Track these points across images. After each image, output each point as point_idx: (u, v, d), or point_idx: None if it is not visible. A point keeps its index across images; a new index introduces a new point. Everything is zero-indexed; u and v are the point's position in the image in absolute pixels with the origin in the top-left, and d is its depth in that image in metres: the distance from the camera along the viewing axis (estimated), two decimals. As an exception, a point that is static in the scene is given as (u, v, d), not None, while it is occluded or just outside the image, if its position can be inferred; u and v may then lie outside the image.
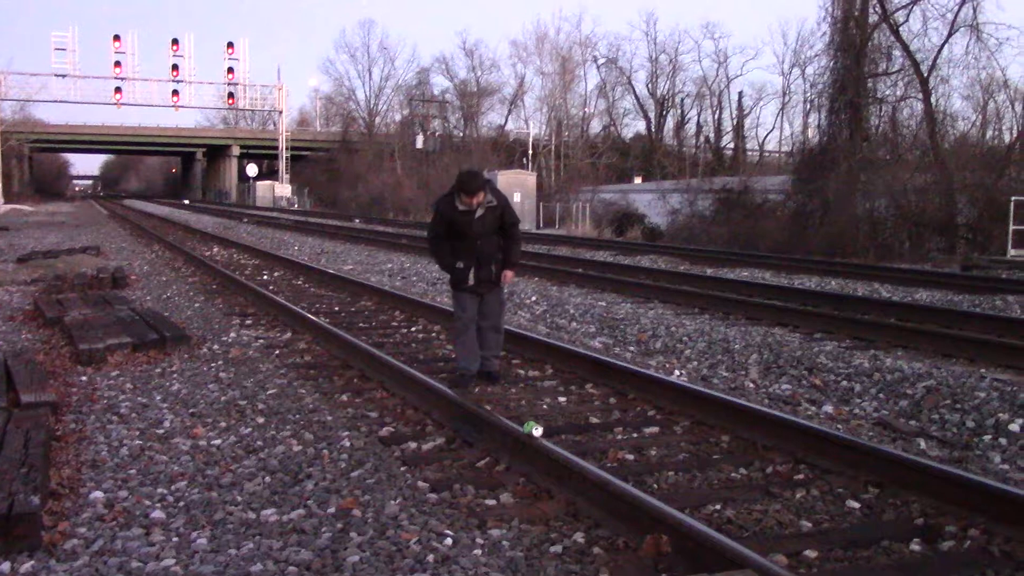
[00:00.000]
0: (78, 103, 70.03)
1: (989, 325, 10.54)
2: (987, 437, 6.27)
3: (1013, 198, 21.84)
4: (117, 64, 66.38)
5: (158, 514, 4.75)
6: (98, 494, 5.02)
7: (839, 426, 6.57)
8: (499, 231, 7.58)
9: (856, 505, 5.00)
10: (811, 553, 4.33)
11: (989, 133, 31.42)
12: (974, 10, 27.41)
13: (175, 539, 4.43)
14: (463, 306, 7.63)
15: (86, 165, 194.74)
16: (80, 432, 6.28)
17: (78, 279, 14.58)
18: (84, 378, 8.01)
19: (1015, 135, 29.41)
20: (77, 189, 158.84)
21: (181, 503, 4.94)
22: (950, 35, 28.09)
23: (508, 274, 7.67)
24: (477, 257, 7.49)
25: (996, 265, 19.19)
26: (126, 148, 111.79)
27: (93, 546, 4.33)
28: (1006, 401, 6.97)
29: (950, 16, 27.76)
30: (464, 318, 7.63)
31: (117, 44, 65.95)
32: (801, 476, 5.47)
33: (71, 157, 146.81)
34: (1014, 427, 6.37)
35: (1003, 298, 13.41)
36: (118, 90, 67.42)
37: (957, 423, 6.61)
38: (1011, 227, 21.62)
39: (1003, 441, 6.18)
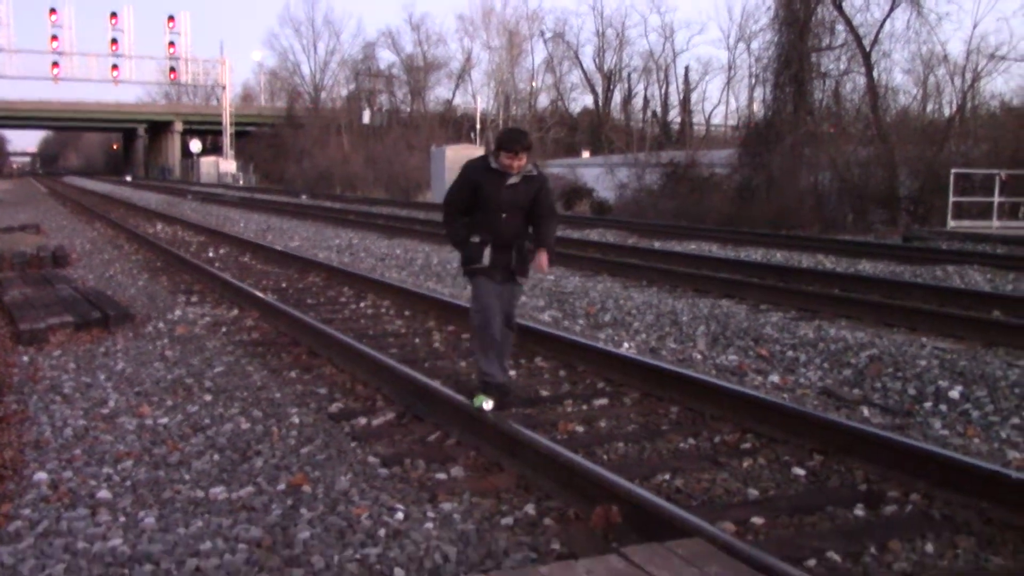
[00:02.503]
0: (14, 78, 68.44)
1: (930, 295, 10.74)
2: (928, 404, 6.41)
3: (953, 170, 22.23)
4: (54, 38, 64.92)
5: (104, 494, 4.69)
6: (42, 475, 4.94)
7: (785, 395, 6.67)
8: (528, 213, 6.14)
9: (801, 472, 5.09)
10: (758, 520, 4.40)
11: (930, 107, 31.90)
12: (915, -15, 27.73)
13: (122, 519, 4.38)
14: (482, 293, 6.11)
15: (23, 141, 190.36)
16: (22, 413, 6.17)
17: (17, 258, 14.26)
18: (25, 358, 7.86)
19: (955, 108, 29.92)
20: (15, 166, 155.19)
21: (128, 483, 4.88)
22: (892, 10, 28.44)
23: (543, 258, 6.09)
24: (497, 234, 6.03)
25: (936, 236, 19.56)
26: (65, 124, 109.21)
27: (38, 528, 4.27)
28: (946, 369, 7.12)
29: (892, -9, 28.08)
30: (485, 310, 6.09)
31: (54, 17, 64.44)
32: (748, 445, 5.55)
33: (8, 133, 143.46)
34: (954, 394, 6.52)
35: (943, 268, 13.69)
36: (56, 64, 65.93)
37: (899, 391, 6.74)
38: (951, 199, 22.02)
39: (943, 408, 6.32)
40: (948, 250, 16.46)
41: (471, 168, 6.17)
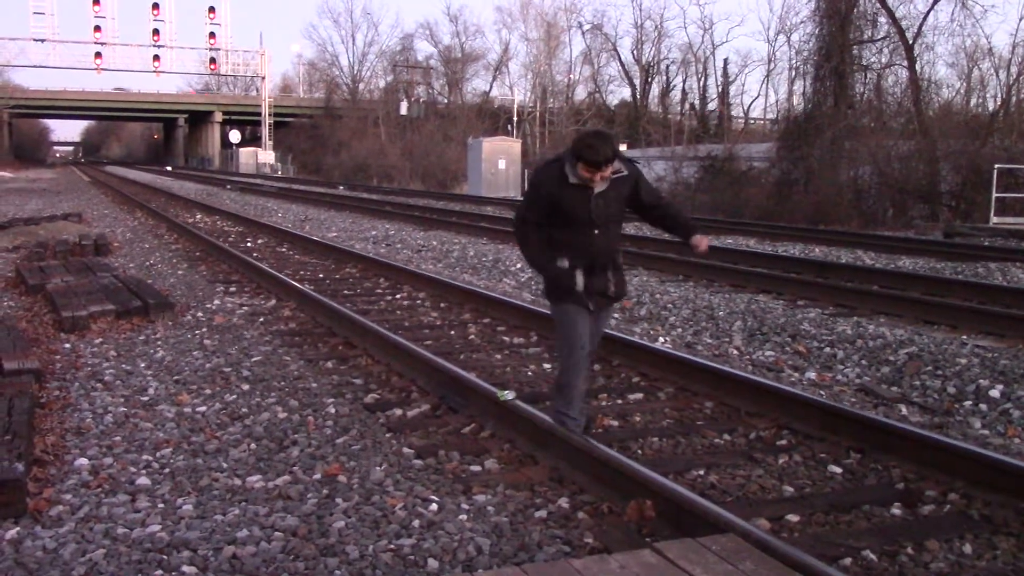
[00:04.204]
0: (58, 68, 69.41)
1: (971, 292, 10.60)
2: (968, 403, 6.33)
3: (996, 166, 21.91)
4: (97, 29, 65.69)
5: (143, 480, 4.76)
6: (83, 461, 5.01)
7: (822, 392, 6.61)
8: (623, 214, 5.22)
9: (838, 470, 5.05)
10: (793, 517, 4.37)
11: (973, 101, 31.53)
12: (960, -23, 27.36)
13: (161, 505, 4.44)
14: (573, 326, 5.12)
15: (67, 131, 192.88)
16: (64, 399, 6.26)
17: (60, 246, 14.48)
18: (67, 345, 7.98)
19: (999, 103, 29.50)
20: (58, 155, 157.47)
21: (166, 470, 4.94)
22: (936, 2, 28.11)
23: (698, 238, 5.26)
24: (591, 254, 5.05)
25: (978, 232, 19.29)
26: (107, 114, 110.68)
27: (79, 513, 4.33)
28: (987, 367, 7.03)
29: (936, -17, 27.71)
30: (574, 346, 5.14)
31: (97, 8, 65.19)
32: (784, 442, 5.51)
33: (51, 123, 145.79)
34: (994, 393, 6.43)
35: (985, 265, 13.50)
36: (98, 55, 66.81)
37: (938, 389, 6.66)
38: (994, 195, 21.72)
39: (983, 407, 6.24)
40: (990, 247, 16.23)
41: (544, 181, 5.06)
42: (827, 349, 7.90)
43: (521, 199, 5.38)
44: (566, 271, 5.05)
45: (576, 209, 4.96)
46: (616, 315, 9.62)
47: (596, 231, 5.01)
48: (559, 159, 5.07)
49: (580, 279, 5.04)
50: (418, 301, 10.47)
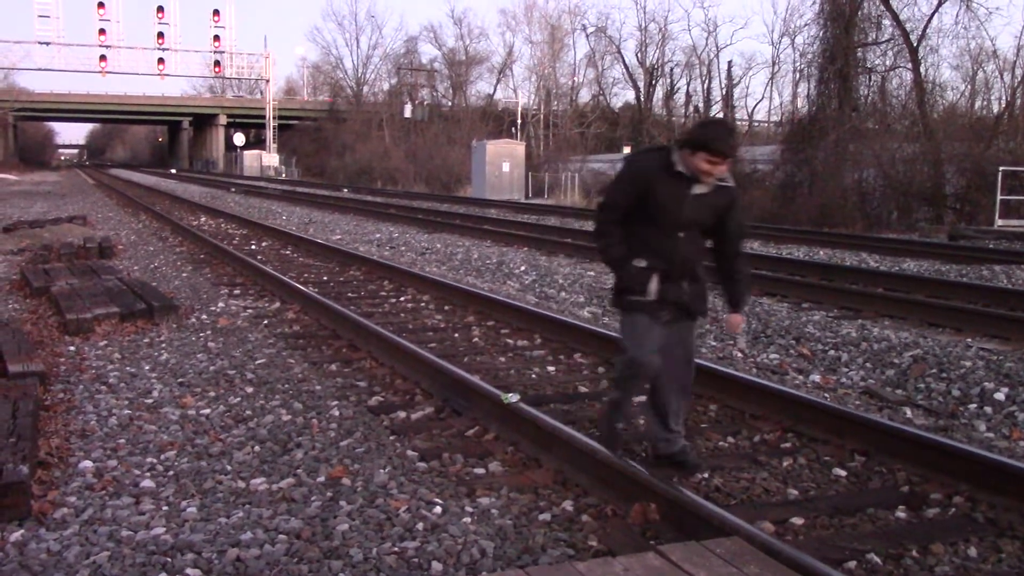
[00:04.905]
0: (63, 71, 69.51)
1: (976, 295, 10.59)
2: (972, 406, 6.32)
3: (1001, 168, 21.89)
4: (102, 32, 65.78)
5: (148, 483, 4.76)
6: (87, 463, 5.02)
7: (826, 395, 6.61)
8: (710, 232, 4.84)
9: (843, 473, 5.04)
10: (798, 520, 4.36)
11: (978, 103, 31.49)
12: (964, -21, 27.34)
13: (165, 508, 4.44)
14: (640, 337, 4.75)
15: (71, 134, 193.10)
16: (69, 402, 6.27)
17: (65, 249, 14.50)
18: (72, 348, 7.99)
19: (1003, 105, 29.45)
20: (63, 158, 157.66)
21: (171, 472, 4.94)
22: (940, 5, 28.12)
23: (737, 319, 4.99)
24: (670, 258, 4.69)
25: (983, 235, 19.26)
26: (112, 117, 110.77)
27: (83, 515, 4.34)
28: (992, 370, 7.01)
29: (940, -15, 27.70)
30: (640, 357, 4.75)
31: (101, 11, 65.30)
32: (788, 445, 5.50)
33: (56, 126, 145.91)
34: (999, 396, 6.42)
35: (990, 268, 13.48)
36: (103, 58, 66.89)
37: (943, 392, 6.65)
38: (998, 197, 21.69)
39: (988, 410, 6.23)
40: (995, 249, 16.20)
41: (643, 165, 4.71)
42: (832, 352, 7.89)
43: (610, 184, 5.02)
44: (642, 272, 4.68)
45: (668, 205, 4.59)
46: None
47: (682, 234, 4.66)
48: (662, 148, 4.73)
49: (654, 284, 4.66)
50: (422, 304, 10.47)
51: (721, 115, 67.38)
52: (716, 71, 70.44)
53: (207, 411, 6.09)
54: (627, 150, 53.98)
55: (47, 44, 65.50)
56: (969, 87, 31.97)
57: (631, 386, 4.88)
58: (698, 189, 4.59)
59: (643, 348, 4.72)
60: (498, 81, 72.85)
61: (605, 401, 5.02)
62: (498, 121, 62.66)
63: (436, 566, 3.84)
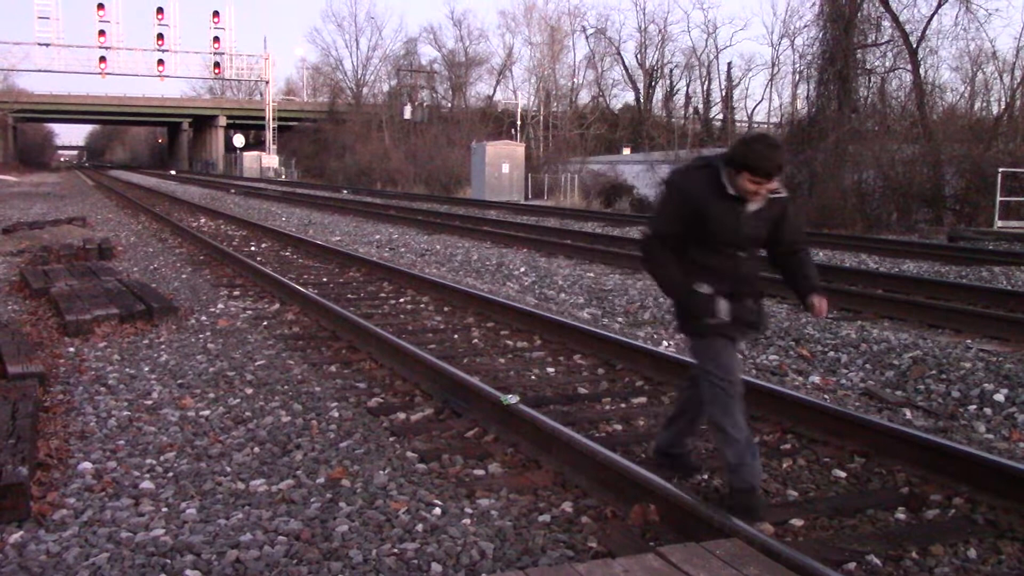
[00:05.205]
0: (62, 72, 69.54)
1: (975, 296, 10.59)
2: (972, 407, 6.32)
3: (1000, 169, 21.88)
4: (101, 33, 65.80)
5: (147, 484, 4.76)
6: (87, 465, 5.02)
7: (826, 396, 6.61)
8: (766, 243, 4.56)
9: (842, 474, 5.04)
10: (797, 522, 4.36)
11: (977, 104, 31.51)
12: (964, -19, 27.37)
13: (164, 509, 4.44)
14: (721, 359, 4.48)
15: (71, 135, 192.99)
16: (68, 403, 6.26)
17: (64, 250, 14.50)
18: (71, 349, 7.99)
19: (1003, 107, 29.48)
20: (62, 159, 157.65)
21: (170, 474, 4.94)
22: (939, 6, 28.13)
23: (823, 303, 4.54)
24: (735, 280, 4.46)
25: (983, 236, 19.26)
26: (111, 118, 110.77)
27: (82, 516, 4.34)
28: (991, 371, 7.01)
29: (940, -14, 27.73)
30: (731, 381, 4.48)
31: (101, 13, 65.32)
32: (788, 446, 5.50)
33: (56, 127, 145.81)
34: (999, 397, 6.42)
35: (989, 269, 13.48)
36: (103, 59, 66.88)
37: (942, 393, 6.65)
38: (998, 198, 21.68)
39: (988, 411, 6.23)
40: (995, 250, 16.19)
41: (692, 188, 4.39)
42: (831, 353, 7.89)
43: (655, 210, 4.71)
44: (708, 298, 4.41)
45: (725, 226, 4.34)
46: (620, 319, 9.62)
47: (742, 253, 4.43)
48: (709, 164, 4.41)
49: (723, 307, 4.42)
50: (421, 305, 10.47)
51: (721, 116, 67.51)
52: (716, 72, 70.63)
53: (207, 412, 6.09)
54: (627, 151, 54.06)
55: (47, 45, 65.51)
56: (968, 88, 32.03)
57: (730, 413, 4.46)
58: (752, 206, 4.34)
59: (731, 370, 4.47)
60: (498, 82, 72.95)
61: (719, 449, 4.62)
62: (498, 122, 62.66)
63: (436, 567, 3.84)
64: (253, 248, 16.85)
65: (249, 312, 9.94)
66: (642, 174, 35.61)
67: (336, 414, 6.02)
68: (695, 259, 4.43)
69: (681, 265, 4.45)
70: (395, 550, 3.98)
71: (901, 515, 4.49)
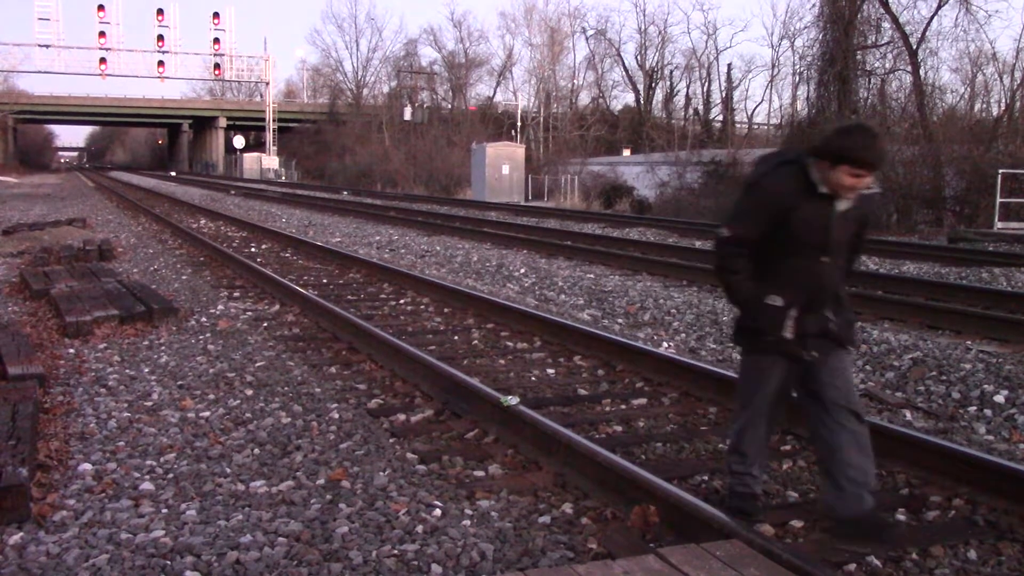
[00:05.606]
0: (63, 74, 69.65)
1: (975, 297, 10.59)
2: (972, 408, 6.32)
3: (1000, 171, 21.88)
4: (102, 34, 65.83)
5: (147, 486, 4.76)
6: (87, 466, 5.01)
7: (826, 397, 6.59)
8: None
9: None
10: (797, 523, 4.36)
11: (977, 106, 31.53)
12: (964, -18, 27.39)
13: (164, 511, 4.44)
14: (758, 381, 4.21)
15: (71, 136, 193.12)
16: (68, 404, 6.26)
17: (64, 251, 14.50)
18: (71, 350, 7.99)
19: (1003, 108, 29.50)
20: (63, 161, 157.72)
21: (170, 475, 4.94)
22: (939, 7, 28.14)
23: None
24: (814, 289, 4.05)
25: (983, 238, 19.25)
26: (111, 119, 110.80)
27: (82, 518, 4.33)
28: (991, 373, 7.01)
29: (940, -12, 27.75)
30: (757, 403, 4.22)
31: (101, 14, 65.36)
32: (788, 447, 5.50)
33: (56, 128, 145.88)
34: (999, 398, 6.42)
35: (989, 270, 13.47)
36: (103, 60, 66.90)
37: (943, 394, 6.65)
38: (998, 200, 21.68)
39: (988, 412, 6.22)
40: (995, 252, 16.19)
41: (777, 189, 3.98)
42: (831, 354, 7.88)
43: (733, 211, 4.19)
44: (778, 312, 4.02)
45: (812, 228, 3.94)
46: (620, 320, 9.61)
47: (826, 259, 4.01)
48: (795, 160, 4.00)
49: (790, 324, 4.02)
50: (421, 306, 10.47)
51: (721, 118, 67.48)
52: (716, 74, 70.58)
53: (207, 414, 6.09)
54: (627, 152, 54.02)
55: (47, 47, 65.51)
56: (968, 90, 32.05)
57: (749, 432, 4.26)
58: (842, 205, 3.95)
59: (762, 392, 4.18)
60: (498, 84, 73.00)
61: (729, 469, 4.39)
62: (498, 123, 62.68)
63: (436, 568, 3.84)
64: (253, 249, 16.85)
65: (249, 313, 9.94)
66: (642, 175, 35.62)
67: (336, 415, 6.02)
68: (771, 265, 4.05)
69: (754, 272, 4.09)
70: (395, 551, 3.98)
71: (901, 516, 4.49)
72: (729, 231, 4.08)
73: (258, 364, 7.50)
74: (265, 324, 9.35)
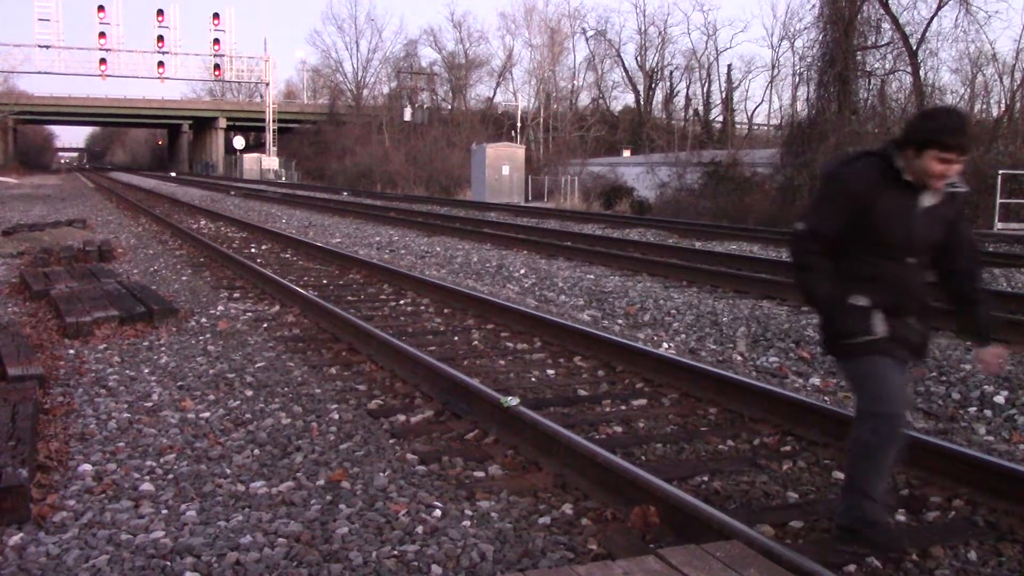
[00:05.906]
0: (63, 75, 69.64)
1: (975, 298, 10.55)
2: (972, 409, 6.32)
3: (1001, 171, 21.88)
4: (102, 35, 65.90)
5: (147, 487, 4.75)
6: (87, 467, 5.01)
7: (826, 398, 6.60)
8: (937, 250, 3.88)
9: (842, 476, 5.03)
10: (797, 524, 4.36)
11: (977, 107, 31.50)
12: (963, -17, 27.40)
13: (164, 511, 4.44)
14: (883, 382, 3.83)
15: (71, 137, 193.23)
16: (68, 405, 6.26)
17: (64, 252, 14.50)
18: (71, 351, 7.98)
19: (1003, 109, 29.49)
20: (63, 161, 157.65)
21: (170, 476, 4.94)
22: (939, 8, 28.14)
23: (994, 354, 4.11)
24: (900, 290, 3.81)
25: (983, 238, 19.24)
26: (112, 120, 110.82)
27: (82, 519, 4.33)
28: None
29: (939, -12, 27.76)
30: (892, 412, 3.85)
31: (102, 14, 65.43)
32: (788, 448, 5.50)
33: (56, 129, 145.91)
34: (999, 399, 6.42)
35: (989, 271, 13.47)
36: (103, 61, 66.97)
37: (943, 395, 6.65)
38: (998, 200, 21.68)
39: (988, 413, 6.22)
40: (995, 252, 16.18)
41: (857, 179, 3.73)
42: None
43: (810, 207, 3.92)
44: (863, 312, 3.77)
45: (894, 225, 3.69)
46: (620, 321, 9.61)
47: (912, 259, 3.76)
48: (879, 152, 3.76)
49: (880, 323, 3.76)
50: (421, 307, 10.47)
51: (721, 118, 67.46)
52: (716, 74, 70.57)
53: (207, 414, 6.09)
54: (627, 153, 54.02)
55: (47, 47, 65.57)
56: (968, 90, 32.02)
57: (885, 452, 3.84)
58: (928, 200, 3.70)
59: (895, 399, 3.82)
60: (498, 84, 73.01)
61: (843, 490, 4.04)
62: (498, 124, 62.70)
63: (436, 569, 3.84)
64: (253, 250, 16.85)
65: (249, 314, 9.93)
66: (642, 176, 35.63)
67: (336, 416, 6.02)
68: (852, 265, 3.79)
69: (835, 272, 3.81)
70: (395, 552, 3.98)
71: (901, 517, 4.49)
72: (805, 225, 3.83)
73: (258, 365, 7.49)
74: (265, 325, 9.35)
